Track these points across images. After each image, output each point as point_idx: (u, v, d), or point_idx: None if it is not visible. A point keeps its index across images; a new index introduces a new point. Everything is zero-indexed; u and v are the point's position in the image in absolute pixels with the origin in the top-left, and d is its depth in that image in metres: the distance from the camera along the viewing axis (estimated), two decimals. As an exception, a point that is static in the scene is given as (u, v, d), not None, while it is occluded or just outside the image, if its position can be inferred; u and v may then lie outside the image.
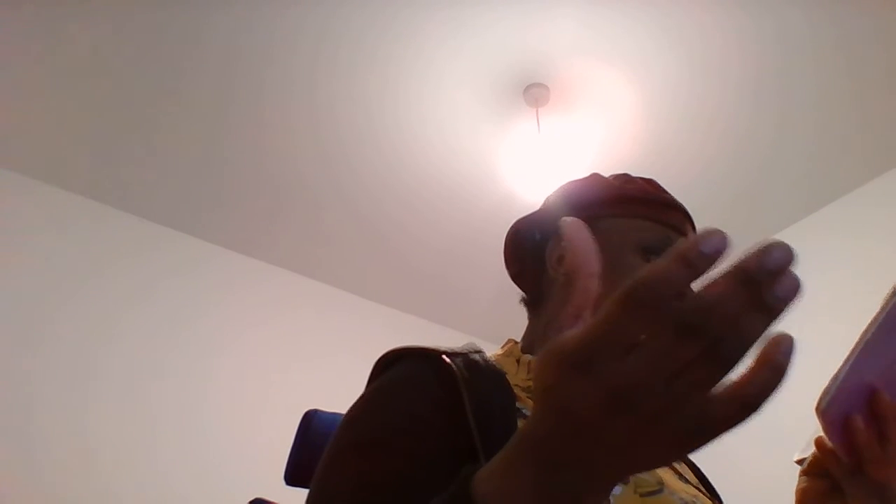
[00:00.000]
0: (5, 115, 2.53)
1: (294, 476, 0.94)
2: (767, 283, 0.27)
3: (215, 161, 2.74)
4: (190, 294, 2.93)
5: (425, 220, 3.02)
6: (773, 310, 0.28)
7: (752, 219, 2.98)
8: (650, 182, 0.81)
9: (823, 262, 2.78)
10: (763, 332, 0.28)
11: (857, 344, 0.55)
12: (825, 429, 0.57)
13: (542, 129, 2.56)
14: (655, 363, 0.28)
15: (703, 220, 3.23)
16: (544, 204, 0.84)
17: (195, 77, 2.45)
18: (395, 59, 2.39)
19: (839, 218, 2.83)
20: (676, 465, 0.71)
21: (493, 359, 0.70)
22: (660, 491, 0.58)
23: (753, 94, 2.49)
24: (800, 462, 0.68)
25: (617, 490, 0.55)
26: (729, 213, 2.93)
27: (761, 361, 0.28)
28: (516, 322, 0.86)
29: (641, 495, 0.56)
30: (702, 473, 0.79)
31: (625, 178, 0.81)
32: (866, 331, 0.54)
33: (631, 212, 0.76)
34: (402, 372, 0.63)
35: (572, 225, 0.35)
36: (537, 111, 2.52)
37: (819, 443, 0.62)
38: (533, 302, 0.81)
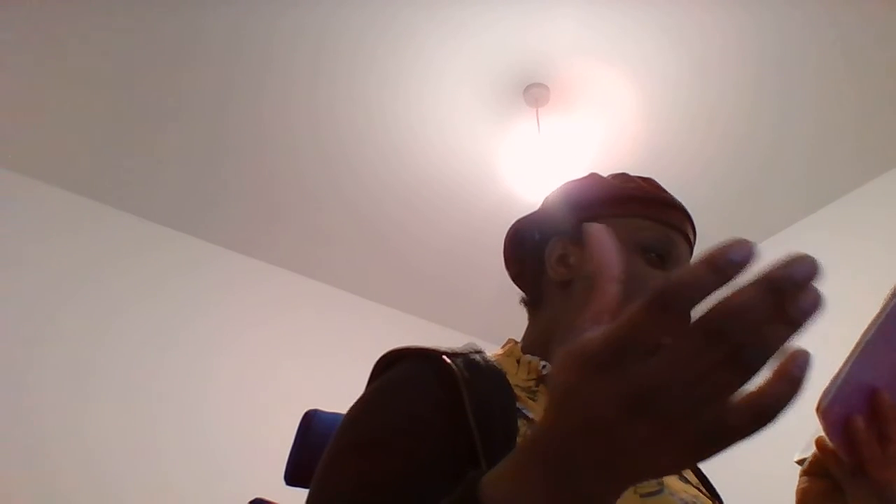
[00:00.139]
0: (5, 115, 2.53)
1: (294, 476, 0.94)
2: (792, 294, 0.28)
3: (215, 161, 2.74)
4: (190, 294, 2.93)
5: (425, 220, 3.02)
6: (796, 322, 0.28)
7: (751, 219, 2.98)
8: (649, 181, 0.81)
9: (823, 262, 2.78)
10: (784, 342, 0.28)
11: (858, 344, 0.55)
12: (826, 429, 0.57)
13: (542, 129, 2.56)
14: (679, 366, 0.29)
15: (703, 221, 3.22)
16: (543, 204, 0.84)
17: (195, 77, 2.45)
18: (395, 59, 2.39)
19: (839, 218, 2.83)
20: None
21: (494, 359, 0.70)
22: (660, 491, 0.58)
23: (753, 94, 2.49)
24: (800, 462, 0.68)
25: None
26: (729, 213, 2.93)
27: (778, 374, 0.29)
28: (516, 322, 0.86)
29: (642, 496, 0.56)
30: (702, 474, 0.79)
31: (624, 178, 0.81)
32: (867, 331, 0.54)
33: (630, 211, 0.76)
34: (402, 372, 0.63)
35: (596, 229, 0.35)
36: (537, 111, 2.52)
37: (820, 443, 0.62)
38: (533, 302, 0.81)
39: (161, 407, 2.62)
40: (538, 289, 0.79)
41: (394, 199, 2.92)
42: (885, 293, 0.56)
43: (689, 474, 0.72)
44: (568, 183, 0.83)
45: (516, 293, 0.85)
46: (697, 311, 0.29)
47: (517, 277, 0.85)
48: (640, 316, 0.29)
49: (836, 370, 0.55)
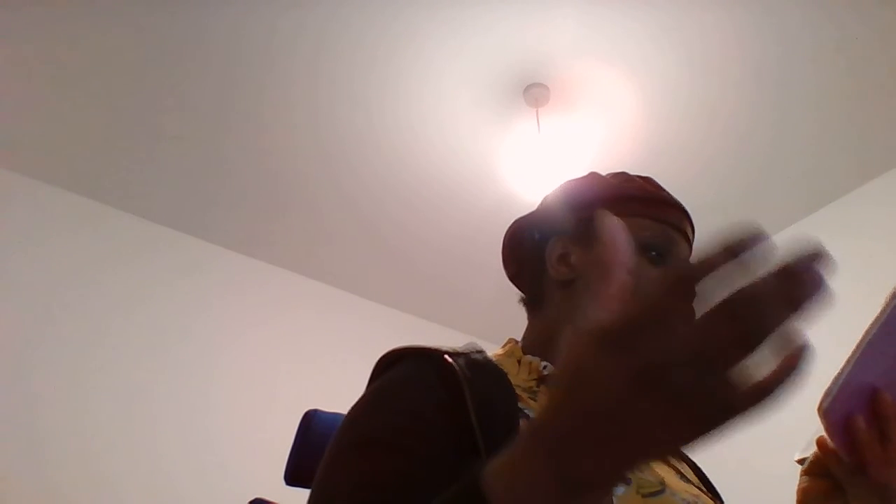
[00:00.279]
0: (5, 115, 2.53)
1: (294, 476, 0.94)
2: (804, 286, 0.30)
3: (215, 161, 2.74)
4: (190, 294, 2.93)
5: (425, 220, 3.02)
6: (805, 313, 0.30)
7: (752, 219, 2.98)
8: (649, 180, 0.81)
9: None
10: (790, 328, 0.30)
11: (859, 344, 0.55)
12: (827, 429, 0.57)
13: (542, 129, 2.56)
14: (687, 346, 0.30)
15: (702, 221, 3.21)
16: (542, 203, 0.84)
17: (196, 77, 2.45)
18: (395, 60, 2.39)
19: (839, 218, 2.84)
20: (678, 466, 0.71)
21: (494, 358, 0.70)
22: (662, 491, 0.58)
23: (753, 94, 2.49)
24: (801, 462, 0.68)
25: (619, 490, 0.55)
26: (729, 213, 2.93)
27: (784, 363, 0.30)
28: (516, 322, 0.85)
29: (644, 496, 0.56)
30: (703, 474, 0.79)
31: (623, 177, 0.81)
32: (868, 331, 0.54)
33: (630, 210, 0.76)
34: (403, 371, 0.63)
35: (610, 220, 0.38)
36: (537, 111, 2.52)
37: (821, 443, 0.62)
38: (533, 302, 0.80)
39: (161, 407, 2.62)
40: (538, 288, 0.79)
41: (394, 199, 2.92)
42: (885, 293, 0.56)
43: (689, 474, 0.72)
44: (567, 182, 0.83)
45: (516, 293, 0.85)
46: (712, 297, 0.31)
47: (515, 277, 0.85)
48: (660, 296, 0.31)
49: (837, 370, 0.55)
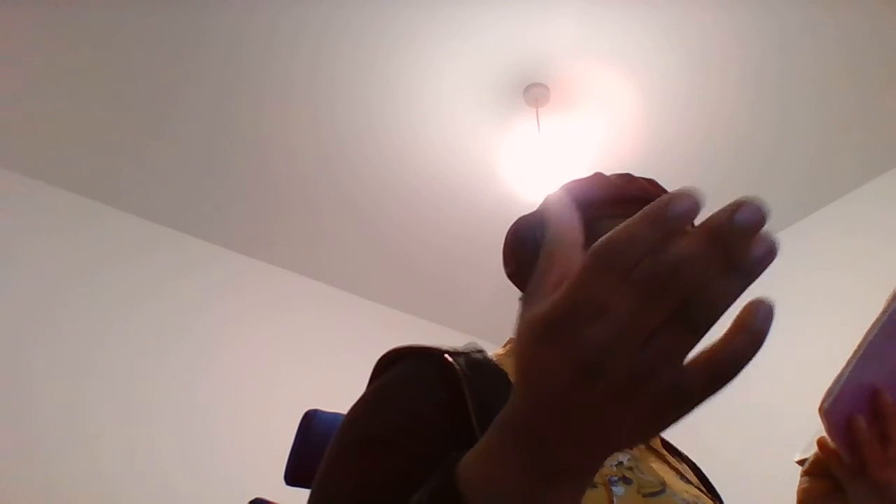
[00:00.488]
0: (5, 115, 2.53)
1: (294, 476, 0.94)
2: (741, 243, 0.26)
3: (215, 161, 2.74)
4: (190, 294, 2.93)
5: (425, 220, 3.02)
6: (749, 272, 0.26)
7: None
8: (652, 182, 0.81)
9: (823, 262, 2.78)
10: (737, 295, 0.27)
11: (860, 345, 0.55)
12: (827, 429, 0.57)
13: (542, 129, 2.56)
14: (622, 328, 0.27)
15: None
16: (544, 203, 0.84)
17: (195, 77, 2.45)
18: (395, 60, 2.39)
19: (839, 218, 2.84)
20: (678, 466, 0.71)
21: (495, 358, 0.70)
22: (662, 491, 0.58)
23: (753, 94, 2.49)
24: (801, 462, 0.68)
25: (620, 491, 0.55)
26: (729, 213, 2.93)
27: (735, 328, 0.27)
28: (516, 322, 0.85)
29: (644, 496, 0.56)
30: (703, 474, 0.79)
31: (627, 178, 0.81)
32: (869, 332, 0.54)
33: (631, 212, 0.76)
34: (403, 371, 0.63)
35: (553, 198, 0.34)
36: (537, 111, 2.52)
37: (821, 443, 0.62)
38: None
39: (161, 407, 2.62)
40: None
41: (394, 199, 2.92)
42: (886, 293, 0.56)
43: (689, 474, 0.72)
44: (571, 181, 0.83)
45: (516, 292, 0.85)
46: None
47: (514, 276, 0.85)
48: (580, 280, 0.28)
49: (838, 370, 0.55)
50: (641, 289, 0.27)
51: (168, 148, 2.69)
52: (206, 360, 2.81)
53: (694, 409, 0.28)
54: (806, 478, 0.65)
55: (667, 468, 0.66)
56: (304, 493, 0.64)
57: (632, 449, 0.65)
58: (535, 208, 0.88)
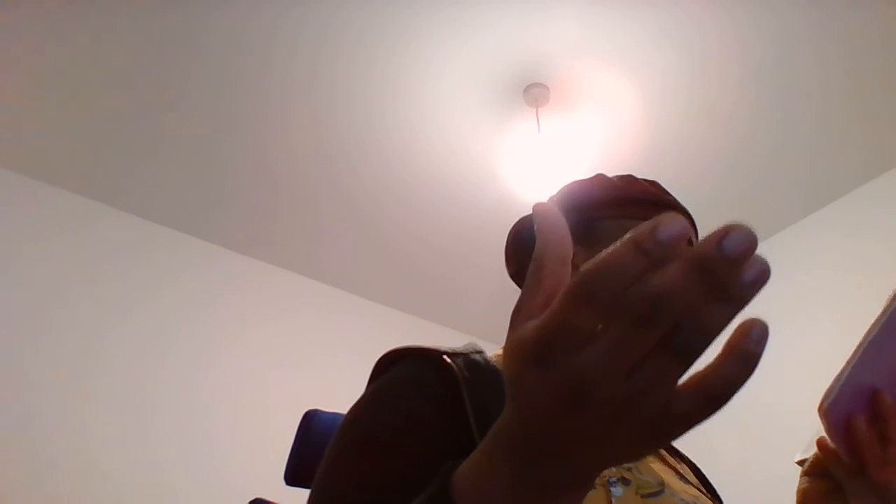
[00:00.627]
0: (5, 115, 2.53)
1: (294, 476, 0.94)
2: (730, 269, 0.25)
3: (215, 161, 2.74)
4: (190, 294, 2.93)
5: (425, 220, 3.02)
6: (739, 298, 0.26)
7: (752, 219, 2.98)
8: (653, 184, 0.81)
9: (823, 262, 2.78)
10: (727, 321, 0.26)
11: (860, 345, 0.55)
12: (827, 429, 0.57)
13: (542, 129, 2.56)
14: (609, 355, 0.27)
15: (703, 221, 3.20)
16: (533, 213, 0.83)
17: (195, 77, 2.45)
18: (395, 60, 2.39)
19: (839, 218, 2.84)
20: (677, 466, 0.71)
21: (494, 359, 0.70)
22: (661, 492, 0.58)
23: (753, 94, 2.49)
24: (801, 463, 0.68)
25: (618, 492, 0.55)
26: (729, 213, 2.93)
27: (728, 351, 0.27)
28: (517, 322, 0.85)
29: (643, 496, 0.56)
30: (702, 474, 0.79)
31: (628, 180, 0.81)
32: (869, 332, 0.54)
33: (632, 213, 0.76)
34: (402, 372, 0.63)
35: (542, 209, 0.33)
36: (537, 111, 2.52)
37: (821, 443, 0.62)
38: None
39: (161, 407, 2.62)
40: None
41: (394, 199, 2.92)
42: (886, 293, 0.56)
43: (689, 475, 0.72)
44: (572, 183, 0.83)
45: (516, 293, 0.85)
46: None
47: (515, 276, 0.85)
48: (563, 307, 0.28)
49: (838, 370, 0.55)
50: (628, 317, 0.26)
51: (168, 148, 2.69)
52: (206, 360, 2.81)
53: (688, 431, 0.28)
54: (805, 478, 0.65)
55: (666, 468, 0.66)
56: (304, 493, 0.64)
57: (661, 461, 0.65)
58: (535, 209, 0.87)
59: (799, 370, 2.57)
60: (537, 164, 2.38)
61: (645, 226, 0.26)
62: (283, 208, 2.96)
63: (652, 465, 0.63)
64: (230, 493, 2.52)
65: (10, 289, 2.54)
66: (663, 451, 0.73)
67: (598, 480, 0.55)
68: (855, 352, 0.55)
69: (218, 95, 2.51)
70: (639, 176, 2.81)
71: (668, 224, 0.26)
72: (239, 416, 2.75)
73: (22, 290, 2.56)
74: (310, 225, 3.04)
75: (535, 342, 0.29)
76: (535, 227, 0.33)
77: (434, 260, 3.23)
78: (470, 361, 0.62)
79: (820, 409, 0.55)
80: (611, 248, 0.27)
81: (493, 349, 0.75)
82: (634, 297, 0.26)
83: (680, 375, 0.27)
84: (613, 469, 0.57)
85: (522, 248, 0.84)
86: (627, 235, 0.27)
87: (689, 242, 0.76)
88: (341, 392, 2.98)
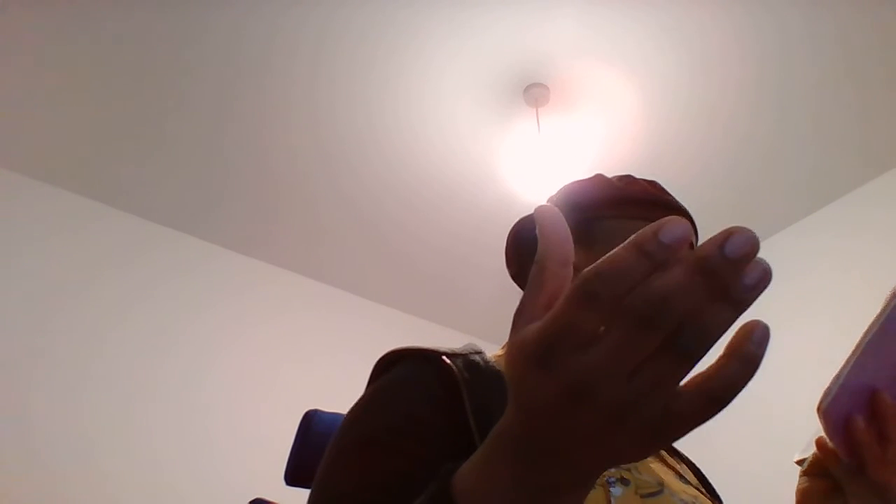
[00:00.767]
0: (5, 115, 2.53)
1: (294, 476, 0.94)
2: (732, 272, 0.26)
3: (215, 161, 2.74)
4: (190, 294, 2.93)
5: (425, 220, 3.02)
6: (740, 301, 0.26)
7: (752, 219, 2.98)
8: (653, 184, 0.81)
9: (823, 262, 2.78)
10: (729, 324, 0.27)
11: (859, 344, 0.55)
12: (826, 429, 0.57)
13: (542, 129, 2.56)
14: (612, 357, 0.28)
15: (703, 221, 3.20)
16: (535, 214, 0.83)
17: (195, 77, 2.45)
18: (395, 60, 2.39)
19: (839, 218, 2.84)
20: (676, 466, 0.71)
21: (494, 359, 0.70)
22: (660, 492, 0.58)
23: (753, 94, 2.49)
24: (800, 462, 0.68)
25: (618, 491, 0.55)
26: (729, 213, 2.93)
27: (729, 353, 0.27)
28: (516, 322, 0.85)
29: (642, 496, 0.56)
30: (702, 474, 0.79)
31: (628, 180, 0.81)
32: (868, 331, 0.54)
33: (631, 213, 0.76)
34: (402, 373, 0.63)
35: (544, 211, 0.33)
36: (537, 111, 2.52)
37: (820, 443, 0.62)
38: None
39: (161, 407, 2.62)
40: None
41: (394, 199, 2.92)
42: (885, 293, 0.56)
43: (688, 475, 0.72)
44: (572, 183, 0.83)
45: (516, 293, 0.85)
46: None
47: (516, 277, 0.85)
48: (565, 309, 0.28)
49: (837, 370, 0.55)
50: (630, 320, 0.27)
51: (167, 148, 2.69)
52: (205, 360, 2.81)
53: (689, 432, 0.28)
54: (805, 478, 0.65)
55: (665, 468, 0.66)
56: (304, 493, 0.64)
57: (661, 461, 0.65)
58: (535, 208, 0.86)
59: (798, 370, 2.57)
60: (537, 164, 2.39)
61: (647, 229, 0.27)
62: (283, 208, 2.96)
63: (651, 466, 0.63)
64: (230, 493, 2.52)
65: (10, 289, 2.54)
66: (663, 452, 0.73)
67: (597, 480, 0.55)
68: (854, 351, 0.55)
69: (218, 95, 2.51)
70: (638, 176, 2.81)
71: (670, 227, 0.26)
72: (239, 416, 2.75)
73: (22, 290, 2.56)
74: (309, 225, 3.04)
75: (538, 344, 0.29)
76: (538, 230, 0.33)
77: (434, 260, 3.23)
78: (469, 362, 0.62)
79: (819, 408, 0.55)
80: (614, 251, 0.27)
81: (494, 349, 0.75)
82: (637, 299, 0.27)
83: (682, 377, 0.28)
84: (613, 469, 0.57)
85: (523, 249, 0.84)
86: (630, 238, 0.27)
87: (690, 245, 0.77)
88: (341, 392, 2.99)
